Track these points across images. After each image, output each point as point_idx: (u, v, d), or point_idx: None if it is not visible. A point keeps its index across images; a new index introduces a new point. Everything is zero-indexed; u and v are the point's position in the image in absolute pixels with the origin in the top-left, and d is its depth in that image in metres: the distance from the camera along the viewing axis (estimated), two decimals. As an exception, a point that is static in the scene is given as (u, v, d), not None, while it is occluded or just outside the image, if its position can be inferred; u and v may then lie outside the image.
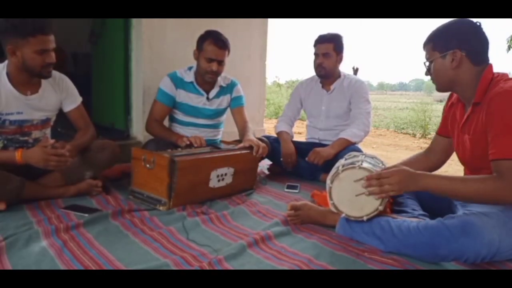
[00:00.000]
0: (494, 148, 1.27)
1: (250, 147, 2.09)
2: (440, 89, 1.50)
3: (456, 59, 1.38)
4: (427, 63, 1.47)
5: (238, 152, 2.06)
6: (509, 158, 1.23)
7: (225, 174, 1.98)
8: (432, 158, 1.68)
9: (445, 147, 1.65)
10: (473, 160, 1.44)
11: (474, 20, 1.39)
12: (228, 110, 2.47)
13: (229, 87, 2.41)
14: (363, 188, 1.39)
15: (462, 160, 1.55)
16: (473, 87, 1.40)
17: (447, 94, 1.62)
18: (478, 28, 1.38)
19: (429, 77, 1.51)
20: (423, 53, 1.49)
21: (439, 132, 1.69)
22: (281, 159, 2.46)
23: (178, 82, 2.28)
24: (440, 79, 1.45)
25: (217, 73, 2.24)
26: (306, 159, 2.33)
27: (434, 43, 1.43)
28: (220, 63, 2.20)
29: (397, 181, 1.32)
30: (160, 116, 2.30)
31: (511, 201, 1.25)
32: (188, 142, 2.05)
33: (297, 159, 2.46)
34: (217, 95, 2.36)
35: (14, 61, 1.69)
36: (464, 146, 1.48)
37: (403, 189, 1.35)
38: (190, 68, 2.33)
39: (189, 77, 2.29)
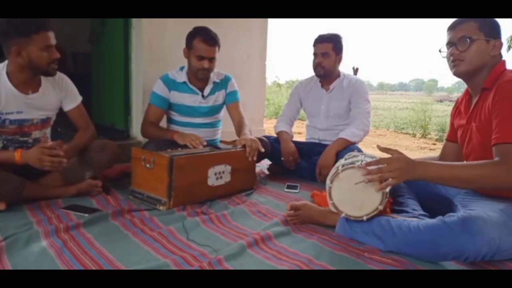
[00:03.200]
0: (497, 133, 1.30)
1: (244, 146, 2.09)
2: (467, 70, 1.47)
3: (498, 48, 1.44)
4: (467, 39, 1.43)
5: (233, 150, 2.07)
6: (511, 142, 1.24)
7: (223, 172, 1.98)
8: None
9: (456, 152, 1.67)
10: (480, 150, 1.45)
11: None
12: (225, 107, 2.46)
13: (223, 82, 2.39)
14: (362, 176, 1.36)
15: (466, 153, 1.55)
16: (486, 76, 1.45)
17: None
18: None
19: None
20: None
21: (448, 138, 1.73)
22: (282, 158, 2.45)
23: (170, 84, 2.27)
24: (476, 61, 1.44)
25: (209, 70, 2.23)
26: (319, 180, 2.31)
27: (481, 24, 1.44)
28: (211, 60, 2.19)
29: (397, 167, 1.29)
30: (155, 118, 2.29)
31: (510, 186, 1.25)
32: (191, 146, 2.03)
33: (298, 157, 2.45)
34: (212, 92, 2.34)
35: (19, 62, 1.70)
36: (470, 136, 1.49)
37: (403, 177, 1.31)
38: (181, 68, 2.32)
39: (181, 77, 2.28)
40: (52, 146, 1.70)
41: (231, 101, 2.40)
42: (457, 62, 1.47)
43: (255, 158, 2.11)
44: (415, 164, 1.32)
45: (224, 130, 2.59)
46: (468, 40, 1.43)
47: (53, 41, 1.73)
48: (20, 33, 1.65)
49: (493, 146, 1.30)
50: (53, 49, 1.74)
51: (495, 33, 1.44)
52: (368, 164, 1.35)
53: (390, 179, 1.31)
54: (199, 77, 2.25)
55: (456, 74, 1.49)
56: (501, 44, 1.45)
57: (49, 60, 1.74)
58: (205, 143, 2.07)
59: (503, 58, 1.47)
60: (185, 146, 2.04)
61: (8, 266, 1.21)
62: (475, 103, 1.48)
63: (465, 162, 1.50)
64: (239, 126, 2.34)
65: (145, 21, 2.94)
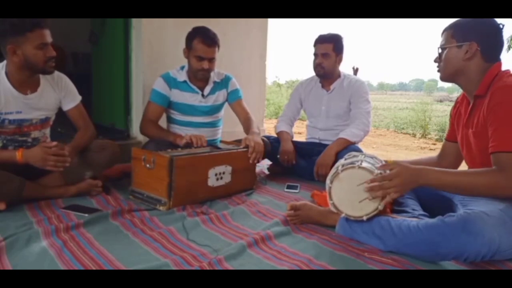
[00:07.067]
0: (494, 141, 1.29)
1: (247, 146, 2.09)
2: (444, 77, 1.52)
3: (471, 51, 1.41)
4: (440, 49, 1.50)
5: (235, 150, 2.07)
6: (508, 151, 1.24)
7: (223, 173, 1.98)
8: (444, 163, 1.69)
9: (455, 152, 1.68)
10: (479, 155, 1.45)
11: (498, 20, 1.42)
12: (226, 106, 2.46)
13: (224, 82, 2.39)
14: (365, 192, 1.38)
15: (466, 157, 1.56)
16: (477, 81, 1.44)
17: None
18: (500, 29, 1.41)
19: (435, 67, 1.54)
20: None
21: (448, 138, 1.73)
22: (278, 156, 2.46)
23: (171, 82, 2.27)
24: (448, 68, 1.48)
25: (209, 71, 2.23)
26: (316, 179, 2.32)
27: (454, 31, 1.45)
28: (211, 60, 2.19)
29: (400, 182, 1.32)
30: (154, 116, 2.28)
31: (510, 194, 1.26)
32: (189, 141, 2.04)
33: (295, 158, 2.46)
34: (212, 91, 2.34)
35: (15, 61, 1.70)
36: (468, 141, 1.49)
37: (406, 189, 1.36)
38: (182, 68, 2.32)
39: (182, 76, 2.28)
40: (55, 146, 1.70)
41: (234, 99, 2.41)
42: (438, 70, 1.54)
43: (256, 162, 2.11)
44: (417, 173, 1.33)
45: (225, 130, 2.59)
46: (441, 49, 1.49)
47: (48, 39, 1.73)
48: (15, 31, 1.65)
49: (490, 154, 1.31)
50: (49, 47, 1.73)
51: (469, 36, 1.41)
52: (372, 180, 1.36)
53: (393, 193, 1.34)
54: (199, 78, 2.25)
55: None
56: (474, 46, 1.39)
57: (45, 58, 1.73)
58: (205, 143, 2.07)
59: (499, 61, 1.43)
60: (185, 146, 2.04)
61: (8, 266, 1.21)
62: (470, 109, 1.48)
63: (466, 169, 1.50)
64: (246, 123, 2.34)
65: (145, 21, 2.94)
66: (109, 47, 3.30)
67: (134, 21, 2.99)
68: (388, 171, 1.37)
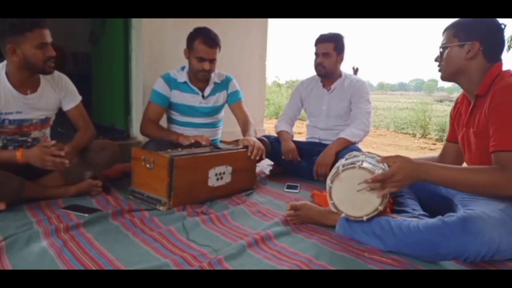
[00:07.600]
0: (495, 140, 1.30)
1: (247, 147, 2.09)
2: (445, 77, 1.52)
3: (473, 51, 1.41)
4: (442, 48, 1.50)
5: (235, 151, 2.07)
6: (509, 150, 1.24)
7: (224, 173, 1.98)
8: (444, 163, 1.69)
9: (456, 152, 1.68)
10: (479, 155, 1.45)
11: (500, 20, 1.42)
12: (226, 107, 2.46)
13: (224, 83, 2.39)
14: (366, 191, 1.38)
15: (467, 157, 1.56)
16: (478, 81, 1.44)
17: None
18: (502, 29, 1.42)
19: (436, 65, 1.54)
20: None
21: (448, 139, 1.74)
22: (283, 157, 2.45)
23: (172, 82, 2.27)
24: (450, 67, 1.48)
25: (210, 71, 2.23)
26: (316, 178, 2.33)
27: (456, 30, 1.45)
28: (212, 61, 2.19)
29: (401, 178, 1.32)
30: (155, 116, 2.28)
31: (509, 193, 1.26)
32: (192, 141, 2.04)
33: (298, 155, 2.45)
34: (212, 92, 2.34)
35: (15, 60, 1.70)
36: (469, 141, 1.49)
37: (406, 184, 1.35)
38: (182, 68, 2.32)
39: (182, 77, 2.28)
40: (54, 145, 1.70)
41: (234, 101, 2.40)
42: (439, 69, 1.53)
43: (258, 158, 2.12)
44: (418, 167, 1.33)
45: (225, 130, 2.59)
46: (442, 49, 1.49)
47: (48, 39, 1.72)
48: (14, 31, 1.65)
49: (491, 153, 1.31)
50: (48, 46, 1.73)
51: (472, 35, 1.41)
52: (374, 179, 1.35)
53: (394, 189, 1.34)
54: (199, 78, 2.25)
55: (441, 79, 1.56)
56: (477, 45, 1.39)
57: (44, 58, 1.72)
58: (210, 142, 2.08)
59: (501, 61, 1.43)
60: (188, 147, 2.04)
61: (8, 266, 1.21)
62: (472, 109, 1.49)
63: (466, 166, 1.50)
64: (245, 126, 2.34)
65: (145, 21, 2.94)
66: (109, 47, 3.30)
67: (134, 21, 2.99)
68: (386, 166, 1.37)
